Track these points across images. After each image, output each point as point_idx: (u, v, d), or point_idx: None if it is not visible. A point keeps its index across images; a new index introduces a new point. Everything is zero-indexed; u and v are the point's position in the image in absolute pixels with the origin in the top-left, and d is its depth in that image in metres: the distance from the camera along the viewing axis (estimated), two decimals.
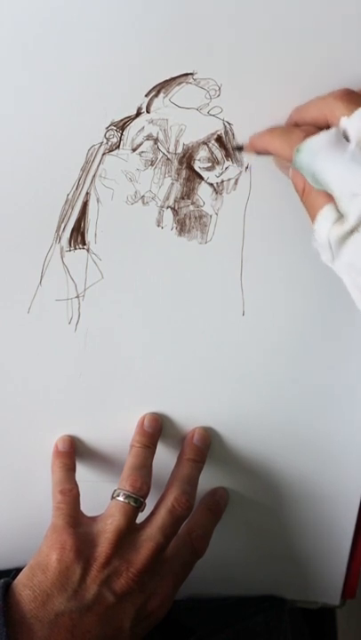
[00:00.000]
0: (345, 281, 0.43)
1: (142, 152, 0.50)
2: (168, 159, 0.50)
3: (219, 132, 0.49)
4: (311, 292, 0.52)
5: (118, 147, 0.49)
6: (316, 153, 0.42)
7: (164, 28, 0.47)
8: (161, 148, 0.49)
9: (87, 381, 0.55)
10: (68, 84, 0.48)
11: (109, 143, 0.49)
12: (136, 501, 0.52)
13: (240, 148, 0.49)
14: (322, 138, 0.42)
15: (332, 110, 0.43)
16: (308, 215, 0.44)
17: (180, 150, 0.50)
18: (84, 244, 0.52)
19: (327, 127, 0.44)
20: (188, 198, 0.51)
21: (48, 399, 0.55)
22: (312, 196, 0.43)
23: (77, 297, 0.53)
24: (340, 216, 0.42)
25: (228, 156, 0.50)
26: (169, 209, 0.51)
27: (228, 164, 0.50)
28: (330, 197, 0.42)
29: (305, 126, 0.45)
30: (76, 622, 0.48)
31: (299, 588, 0.64)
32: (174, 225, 0.51)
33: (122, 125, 0.49)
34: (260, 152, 0.48)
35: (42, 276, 0.52)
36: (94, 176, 0.50)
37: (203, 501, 0.57)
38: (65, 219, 0.51)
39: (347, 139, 0.42)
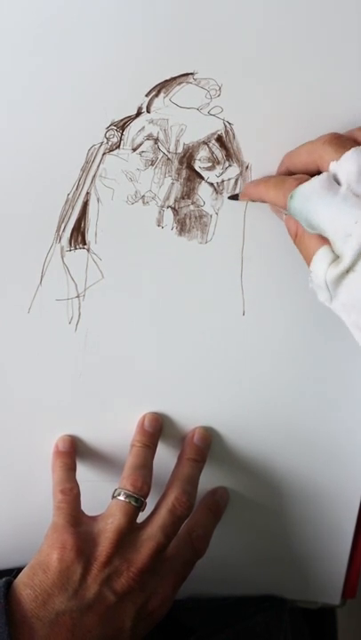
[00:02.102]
0: (344, 320, 0.44)
1: (143, 152, 0.50)
2: (168, 159, 0.50)
3: (219, 132, 0.49)
4: (311, 291, 0.52)
5: (118, 146, 0.49)
6: (308, 198, 0.43)
7: (165, 27, 0.47)
8: (161, 147, 0.49)
9: (87, 381, 0.55)
10: (69, 84, 0.48)
11: (110, 143, 0.49)
12: (137, 501, 0.52)
13: (235, 197, 0.50)
14: (313, 183, 0.43)
15: (321, 155, 0.45)
16: (304, 258, 0.45)
17: (180, 150, 0.50)
18: (84, 243, 0.52)
19: (318, 172, 0.45)
20: (189, 198, 0.51)
21: (48, 399, 0.55)
22: (305, 240, 0.45)
23: (77, 297, 0.53)
24: (336, 257, 0.43)
25: (228, 155, 0.50)
26: (169, 209, 0.51)
27: (228, 163, 0.50)
28: (323, 240, 0.43)
29: (297, 174, 0.46)
30: (77, 622, 0.48)
31: (299, 588, 0.64)
32: (174, 225, 0.51)
33: (122, 125, 0.49)
34: (254, 200, 0.50)
35: (42, 276, 0.52)
36: (94, 176, 0.50)
37: (203, 501, 0.57)
38: (65, 218, 0.51)
39: (338, 182, 0.43)
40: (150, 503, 0.53)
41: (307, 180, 0.44)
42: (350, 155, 0.43)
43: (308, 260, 0.45)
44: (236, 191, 0.51)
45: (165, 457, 0.56)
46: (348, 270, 0.42)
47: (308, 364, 0.55)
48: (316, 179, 0.43)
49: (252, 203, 0.51)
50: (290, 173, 0.48)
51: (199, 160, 0.50)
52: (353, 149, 0.43)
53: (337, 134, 0.46)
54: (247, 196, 0.50)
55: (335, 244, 0.43)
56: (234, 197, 0.50)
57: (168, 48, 0.47)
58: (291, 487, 0.59)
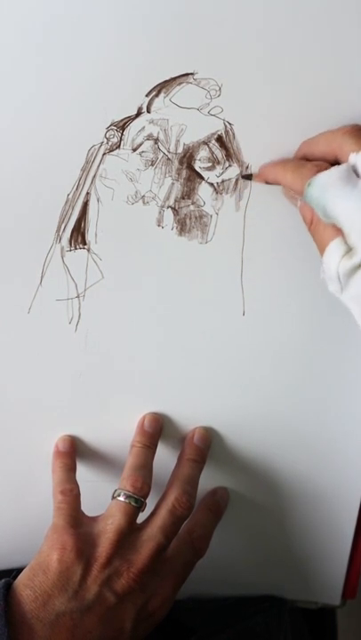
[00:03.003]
0: (353, 311, 0.44)
1: (143, 152, 0.50)
2: (168, 159, 0.50)
3: (219, 132, 0.49)
4: (311, 291, 0.52)
5: (119, 147, 0.49)
6: (326, 187, 0.43)
7: (165, 27, 0.47)
8: (161, 147, 0.49)
9: (87, 381, 0.55)
10: (69, 85, 0.48)
11: (110, 143, 0.49)
12: (137, 501, 0.52)
13: (248, 177, 0.50)
14: (333, 173, 0.43)
15: (340, 146, 0.44)
16: (317, 246, 0.45)
17: (180, 150, 0.50)
18: (84, 243, 0.52)
19: (336, 162, 0.45)
20: (189, 198, 0.51)
21: (48, 399, 0.55)
22: (320, 229, 0.44)
23: (78, 297, 0.53)
24: (349, 249, 0.42)
25: (228, 155, 0.50)
26: (169, 209, 0.51)
27: (228, 163, 0.50)
28: (338, 231, 0.43)
29: (316, 161, 0.46)
30: (77, 622, 0.48)
31: (299, 588, 0.64)
32: (175, 225, 0.51)
33: (122, 125, 0.49)
34: (269, 182, 0.49)
35: (42, 276, 0.52)
36: (95, 176, 0.50)
37: (203, 501, 0.57)
38: (65, 219, 0.51)
39: (357, 174, 0.43)
40: (150, 503, 0.53)
41: (326, 167, 0.44)
42: None
43: (321, 249, 0.44)
44: (237, 191, 0.50)
45: (165, 457, 0.56)
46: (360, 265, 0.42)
47: (308, 364, 0.55)
48: (335, 168, 0.43)
49: (252, 202, 0.50)
50: (308, 161, 0.47)
51: (199, 160, 0.50)
52: None
53: (359, 126, 0.45)
54: (262, 177, 0.49)
55: (350, 237, 0.42)
56: (247, 177, 0.50)
57: (168, 48, 0.47)
58: (291, 487, 0.59)
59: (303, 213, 0.46)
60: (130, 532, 0.51)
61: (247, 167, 0.50)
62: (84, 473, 0.56)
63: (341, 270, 0.42)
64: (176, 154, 0.50)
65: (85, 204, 0.51)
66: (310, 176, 0.44)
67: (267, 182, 0.49)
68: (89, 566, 0.50)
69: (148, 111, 0.49)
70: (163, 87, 0.48)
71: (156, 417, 0.56)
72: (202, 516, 0.56)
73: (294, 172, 0.46)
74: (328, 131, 0.46)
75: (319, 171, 0.44)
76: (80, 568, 0.49)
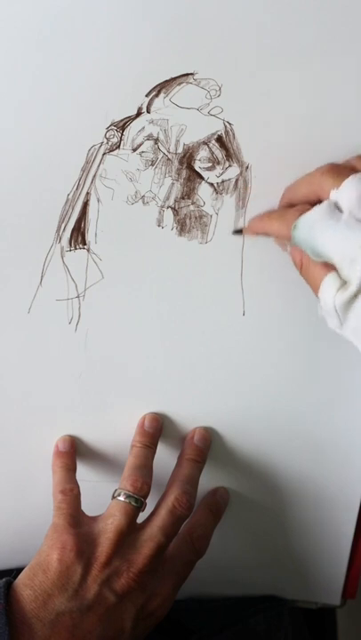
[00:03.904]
0: (356, 344, 0.44)
1: (143, 152, 0.50)
2: (168, 159, 0.50)
3: (219, 132, 0.49)
4: (312, 291, 0.52)
5: (119, 147, 0.49)
6: (311, 227, 0.44)
7: (165, 28, 0.47)
8: (161, 147, 0.49)
9: (87, 381, 0.55)
10: (69, 85, 0.48)
11: (110, 143, 0.49)
12: (137, 501, 0.52)
13: (239, 232, 0.51)
14: (316, 212, 0.44)
15: (320, 186, 0.46)
16: (311, 287, 0.46)
17: (180, 150, 0.50)
18: (84, 243, 0.52)
19: (320, 202, 0.45)
20: (189, 198, 0.51)
21: (48, 399, 0.55)
22: (311, 269, 0.45)
23: (77, 297, 0.53)
24: (343, 282, 0.43)
25: (228, 156, 0.50)
26: (169, 209, 0.51)
27: (228, 163, 0.50)
28: (329, 267, 0.44)
29: (299, 205, 0.47)
30: (77, 622, 0.48)
31: (299, 588, 0.64)
32: (175, 225, 0.51)
33: (122, 125, 0.49)
34: (259, 234, 0.50)
35: (42, 276, 0.52)
36: (95, 176, 0.50)
37: (203, 501, 0.57)
38: (65, 219, 0.51)
39: (339, 209, 0.44)
40: (150, 503, 0.53)
41: (308, 209, 0.45)
42: (350, 181, 0.44)
43: (315, 289, 0.45)
44: (237, 191, 0.51)
45: (165, 457, 0.56)
46: (356, 295, 0.42)
47: (308, 364, 0.55)
48: (317, 207, 0.44)
49: (252, 202, 0.50)
50: (292, 206, 0.48)
51: (199, 160, 0.50)
52: (352, 176, 0.44)
53: (334, 164, 0.47)
54: (251, 231, 0.51)
55: (342, 270, 0.43)
56: (238, 232, 0.51)
57: (168, 48, 0.47)
58: (291, 487, 0.59)
59: (293, 257, 0.47)
60: (130, 532, 0.51)
61: (247, 167, 0.50)
62: (84, 473, 0.57)
63: (338, 303, 0.43)
64: (176, 154, 0.50)
65: (85, 204, 0.51)
66: (294, 220, 0.45)
67: (256, 234, 0.51)
68: (89, 566, 0.50)
69: (148, 111, 0.49)
70: (163, 87, 0.48)
71: (156, 417, 0.56)
72: (202, 515, 0.56)
73: (279, 220, 0.48)
74: (307, 174, 0.47)
75: (302, 213, 0.45)
76: (80, 568, 0.49)
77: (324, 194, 0.45)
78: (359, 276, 0.41)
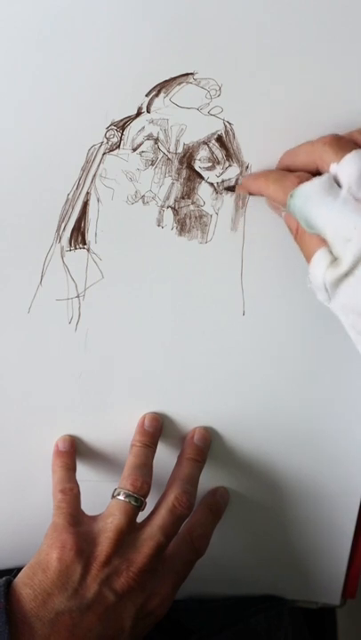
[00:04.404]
0: (342, 320, 0.45)
1: (143, 152, 0.50)
2: (168, 159, 0.50)
3: (219, 132, 0.49)
4: (311, 291, 0.52)
5: (119, 146, 0.50)
6: (309, 198, 0.43)
7: (165, 27, 0.47)
8: (161, 147, 0.49)
9: (87, 381, 0.55)
10: (69, 84, 0.48)
11: (110, 143, 0.49)
12: (136, 500, 0.52)
13: (231, 188, 0.50)
14: (315, 184, 0.44)
15: (321, 156, 0.45)
16: (304, 256, 0.46)
17: (180, 150, 0.50)
18: (84, 243, 0.52)
19: (317, 172, 0.45)
20: (189, 198, 0.51)
21: (48, 399, 0.55)
22: (306, 239, 0.45)
23: (77, 297, 0.53)
24: (334, 259, 0.43)
25: (228, 155, 0.50)
26: (169, 209, 0.51)
27: (228, 163, 0.50)
28: (323, 241, 0.44)
29: (299, 172, 0.46)
30: (77, 621, 0.48)
31: (299, 588, 0.64)
32: (174, 225, 0.51)
33: (122, 125, 0.49)
34: (252, 193, 0.50)
35: (42, 276, 0.52)
36: (95, 176, 0.50)
37: (203, 501, 0.57)
38: (65, 218, 0.51)
39: (338, 184, 0.43)
40: (150, 503, 0.53)
41: (307, 178, 0.44)
42: (351, 157, 0.43)
43: (308, 258, 0.45)
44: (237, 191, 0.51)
45: (165, 457, 0.56)
46: (346, 274, 0.42)
47: (308, 363, 0.55)
48: (317, 179, 0.44)
49: (252, 202, 0.50)
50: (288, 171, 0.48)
51: (199, 160, 0.50)
52: (354, 152, 0.43)
53: (337, 136, 0.46)
54: (245, 189, 0.50)
55: (334, 247, 0.43)
56: (230, 189, 0.50)
57: (168, 48, 0.47)
58: (291, 487, 0.59)
59: (288, 224, 0.47)
60: (130, 531, 0.51)
61: (247, 167, 0.50)
62: (84, 472, 0.57)
63: (328, 280, 0.43)
64: (176, 154, 0.50)
65: (85, 204, 0.51)
66: (292, 187, 0.44)
67: (250, 193, 0.50)
68: (89, 565, 0.50)
69: (148, 111, 0.49)
70: (163, 87, 0.48)
71: (156, 416, 0.56)
72: (202, 515, 0.56)
73: (276, 184, 0.47)
74: (308, 142, 0.47)
75: (301, 182, 0.44)
76: (80, 567, 0.49)
77: (324, 165, 0.45)
78: (352, 256, 0.41)
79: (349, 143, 0.45)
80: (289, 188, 0.45)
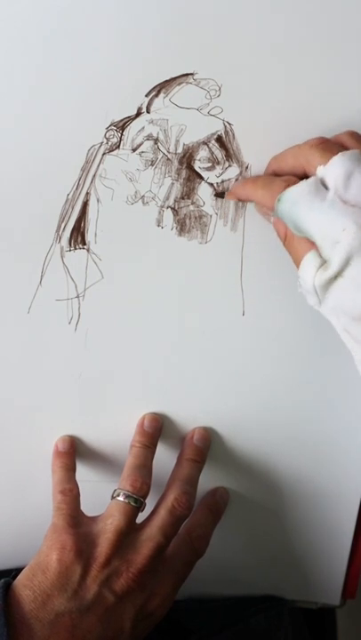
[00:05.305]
0: (333, 323, 0.45)
1: (142, 152, 0.50)
2: (168, 159, 0.50)
3: (219, 133, 0.49)
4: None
5: (118, 147, 0.49)
6: (296, 202, 0.44)
7: (165, 28, 0.47)
8: (161, 148, 0.49)
9: (87, 381, 0.55)
10: (69, 85, 0.48)
11: (109, 143, 0.49)
12: (136, 501, 0.52)
13: (221, 195, 0.50)
14: (302, 187, 0.44)
15: (308, 159, 0.45)
16: (293, 260, 0.46)
17: (180, 150, 0.50)
18: (84, 243, 0.52)
19: (305, 175, 0.45)
20: (189, 198, 0.51)
21: (48, 399, 0.55)
22: (294, 243, 0.45)
23: (77, 297, 0.53)
24: (323, 262, 0.43)
25: (228, 156, 0.50)
26: (169, 209, 0.51)
27: (228, 164, 0.50)
28: (312, 244, 0.44)
29: (286, 176, 0.46)
30: (77, 622, 0.48)
31: (299, 588, 0.64)
32: (174, 225, 0.51)
33: (122, 125, 0.49)
34: (242, 200, 0.50)
35: (42, 276, 0.52)
36: (94, 176, 0.50)
37: (203, 501, 0.57)
38: (65, 218, 0.51)
39: (325, 186, 0.44)
40: (150, 503, 0.53)
41: (295, 182, 0.44)
42: (338, 159, 0.43)
43: (297, 263, 0.45)
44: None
45: (165, 457, 0.56)
46: (336, 276, 0.42)
47: (307, 363, 0.55)
48: (303, 183, 0.44)
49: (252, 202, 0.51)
50: (276, 175, 0.48)
51: (199, 160, 0.50)
52: (340, 154, 0.43)
53: (324, 138, 0.46)
54: (234, 195, 0.50)
55: (323, 250, 0.43)
56: (220, 195, 0.50)
57: (168, 48, 0.47)
58: (291, 487, 0.59)
59: (277, 229, 0.47)
60: (129, 532, 0.51)
61: (247, 167, 0.50)
62: (83, 473, 0.57)
63: (317, 283, 0.43)
64: (176, 154, 0.50)
65: (85, 204, 0.51)
66: (280, 191, 0.45)
67: (239, 200, 0.50)
68: (88, 566, 0.50)
69: (148, 111, 0.49)
70: (162, 87, 0.48)
71: (155, 417, 0.56)
72: (201, 515, 0.56)
73: (264, 189, 0.47)
74: (295, 145, 0.47)
75: (288, 186, 0.44)
76: (79, 568, 0.49)
77: (311, 168, 0.45)
78: (340, 259, 0.41)
79: (336, 145, 0.45)
80: (276, 192, 0.45)
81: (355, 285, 0.42)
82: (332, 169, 0.43)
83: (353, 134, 0.46)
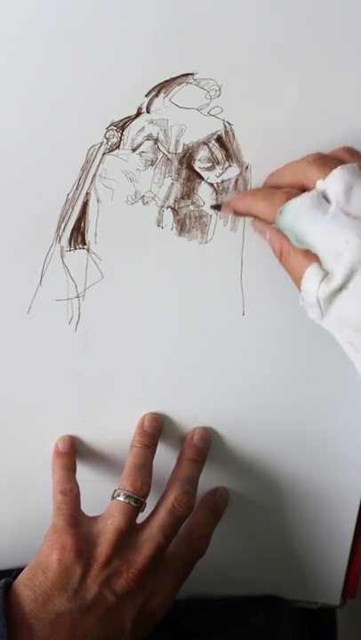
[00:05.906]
0: (336, 337, 0.44)
1: (142, 152, 0.50)
2: (168, 159, 0.50)
3: (219, 133, 0.49)
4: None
5: (118, 147, 0.49)
6: (298, 214, 0.44)
7: (165, 27, 0.47)
8: (161, 148, 0.49)
9: (87, 381, 0.55)
10: (69, 85, 0.48)
11: (109, 143, 0.49)
12: (136, 501, 0.52)
13: (218, 207, 0.50)
14: (304, 199, 0.44)
15: (306, 175, 0.45)
16: (291, 276, 0.46)
17: (180, 150, 0.50)
18: (84, 243, 0.52)
19: (304, 191, 0.45)
20: (189, 198, 0.51)
21: (48, 399, 0.55)
22: (292, 259, 0.45)
23: (77, 297, 0.53)
24: (325, 274, 0.43)
25: (228, 156, 0.50)
26: (169, 209, 0.51)
27: (228, 164, 0.50)
28: (310, 257, 0.44)
29: (286, 188, 0.46)
30: (77, 622, 0.48)
31: (299, 588, 0.64)
32: (174, 225, 0.51)
33: (122, 125, 0.49)
34: (240, 214, 0.50)
35: (42, 276, 0.52)
36: (94, 176, 0.50)
37: (203, 501, 0.57)
38: (65, 218, 0.51)
39: (326, 199, 0.44)
40: (150, 503, 0.53)
41: (296, 194, 0.44)
42: (337, 173, 0.43)
43: (295, 278, 0.45)
44: (236, 191, 0.50)
45: (165, 457, 0.56)
46: (340, 288, 0.42)
47: (307, 363, 0.55)
48: (306, 195, 0.44)
49: None
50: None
51: (199, 160, 0.50)
52: (340, 167, 0.44)
53: (321, 154, 0.46)
54: (231, 208, 0.50)
55: (325, 262, 0.43)
56: (216, 207, 0.50)
57: (168, 48, 0.47)
58: (291, 487, 0.59)
59: (273, 245, 0.47)
60: (129, 532, 0.51)
61: (247, 167, 0.50)
62: (84, 473, 0.56)
63: (321, 295, 0.43)
64: (176, 154, 0.50)
65: (85, 204, 0.51)
66: (281, 204, 0.45)
67: (236, 213, 0.50)
68: (88, 566, 0.50)
69: (148, 111, 0.49)
70: (162, 87, 0.48)
71: (155, 417, 0.56)
72: (202, 515, 0.56)
73: (265, 201, 0.47)
74: (292, 162, 0.47)
75: (290, 198, 0.44)
76: (80, 568, 0.49)
77: (310, 183, 0.45)
78: (344, 270, 0.41)
79: (333, 160, 0.45)
80: (278, 204, 0.45)
81: (359, 297, 0.42)
82: (333, 182, 0.43)
83: (349, 150, 0.46)
